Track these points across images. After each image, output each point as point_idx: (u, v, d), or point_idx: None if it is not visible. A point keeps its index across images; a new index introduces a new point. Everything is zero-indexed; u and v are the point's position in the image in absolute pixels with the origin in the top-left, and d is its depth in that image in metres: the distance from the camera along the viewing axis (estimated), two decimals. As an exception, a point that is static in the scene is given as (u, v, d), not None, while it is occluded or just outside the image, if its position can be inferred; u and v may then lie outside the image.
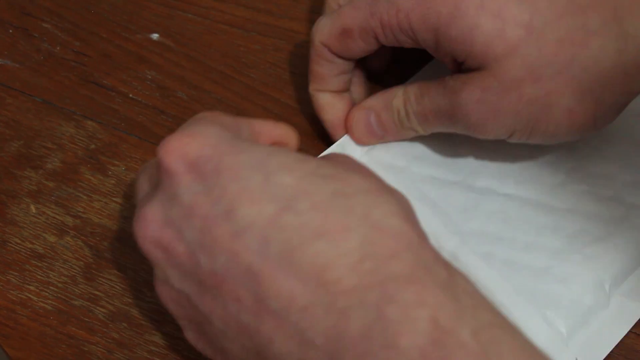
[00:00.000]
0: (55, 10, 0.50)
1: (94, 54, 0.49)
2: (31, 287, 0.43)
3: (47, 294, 0.42)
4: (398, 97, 0.43)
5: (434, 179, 0.45)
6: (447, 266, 0.31)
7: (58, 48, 0.49)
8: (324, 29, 0.43)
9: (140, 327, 0.42)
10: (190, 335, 0.36)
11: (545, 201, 0.44)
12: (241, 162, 0.33)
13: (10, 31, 0.50)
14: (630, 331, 0.41)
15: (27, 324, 0.42)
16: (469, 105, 0.40)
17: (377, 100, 0.44)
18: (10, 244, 0.44)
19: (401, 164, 0.45)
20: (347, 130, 0.45)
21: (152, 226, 0.34)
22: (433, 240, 0.33)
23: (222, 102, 0.48)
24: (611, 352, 0.41)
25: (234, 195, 0.32)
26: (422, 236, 0.32)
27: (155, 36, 0.50)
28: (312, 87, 0.45)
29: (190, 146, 0.33)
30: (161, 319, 0.42)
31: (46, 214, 0.44)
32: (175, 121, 0.47)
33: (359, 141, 0.45)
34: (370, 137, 0.45)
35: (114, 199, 0.45)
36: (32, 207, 0.45)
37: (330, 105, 0.45)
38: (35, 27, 0.50)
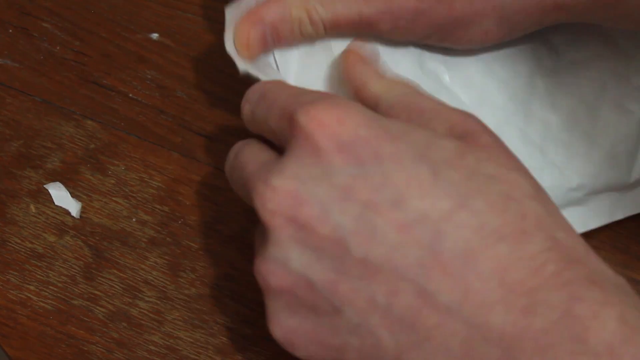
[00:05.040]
0: (55, 10, 0.50)
1: (94, 53, 0.49)
2: (31, 287, 0.43)
3: (46, 293, 0.42)
4: (296, 7, 0.40)
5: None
6: (615, 273, 0.31)
7: (58, 48, 0.49)
8: None
9: (140, 327, 0.42)
10: (288, 326, 0.33)
11: (481, 118, 0.44)
12: (402, 150, 0.32)
13: (10, 31, 0.50)
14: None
15: (27, 324, 0.42)
16: (401, 12, 0.40)
17: (272, 11, 0.40)
18: (10, 244, 0.44)
19: None
20: (240, 44, 0.41)
21: (288, 200, 0.32)
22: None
23: (223, 101, 0.48)
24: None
25: (401, 184, 0.31)
26: (584, 246, 0.32)
27: (155, 36, 0.50)
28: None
29: (344, 126, 0.32)
30: (161, 319, 0.42)
31: (46, 214, 0.44)
32: (175, 121, 0.47)
33: (248, 55, 0.41)
34: (261, 50, 0.41)
35: (114, 198, 0.45)
36: (32, 207, 0.45)
37: None
38: (35, 27, 0.50)
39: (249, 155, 0.36)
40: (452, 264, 0.30)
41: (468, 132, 0.34)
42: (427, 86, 0.44)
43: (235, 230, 0.44)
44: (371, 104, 0.37)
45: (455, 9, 0.40)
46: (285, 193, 0.32)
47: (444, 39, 0.42)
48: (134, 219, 0.44)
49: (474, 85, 0.44)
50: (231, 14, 0.41)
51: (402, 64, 0.44)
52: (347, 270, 0.31)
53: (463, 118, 0.35)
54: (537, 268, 0.30)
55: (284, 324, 0.33)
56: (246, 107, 0.38)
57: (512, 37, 0.43)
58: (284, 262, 0.32)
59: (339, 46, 0.43)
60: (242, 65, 0.41)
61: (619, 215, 0.44)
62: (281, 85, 0.37)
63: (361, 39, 0.43)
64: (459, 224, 0.30)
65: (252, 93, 0.38)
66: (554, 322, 0.29)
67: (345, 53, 0.41)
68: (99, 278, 0.43)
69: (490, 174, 0.32)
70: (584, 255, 0.31)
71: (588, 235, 0.44)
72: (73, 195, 0.45)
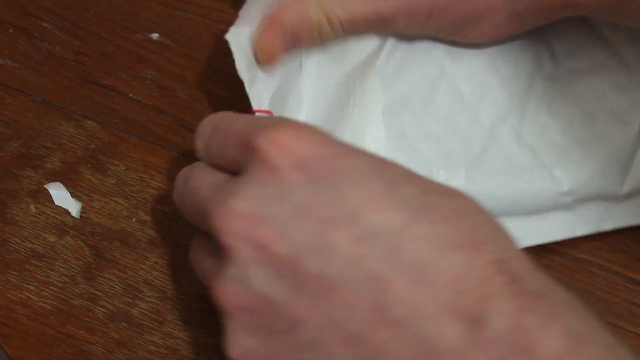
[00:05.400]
0: (55, 10, 0.50)
1: (94, 53, 0.49)
2: (31, 287, 0.43)
3: (46, 293, 0.42)
4: (315, 10, 0.41)
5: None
6: (563, 290, 0.32)
7: (58, 48, 0.49)
8: None
9: (140, 327, 0.42)
10: (245, 346, 0.33)
11: (477, 111, 0.44)
12: (358, 166, 0.32)
13: (10, 31, 0.50)
14: (630, 331, 0.41)
15: (27, 324, 0.42)
16: (419, 9, 0.41)
17: (291, 16, 0.41)
18: (10, 244, 0.44)
19: None
20: (263, 51, 0.41)
21: (246, 221, 0.32)
22: None
23: (223, 102, 0.48)
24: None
25: (356, 199, 0.31)
26: (532, 262, 0.32)
27: (155, 36, 0.50)
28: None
29: (301, 144, 0.32)
30: (161, 319, 0.42)
31: (46, 214, 0.44)
32: (175, 121, 0.47)
33: (269, 61, 0.41)
34: (283, 54, 0.42)
35: (114, 198, 0.45)
36: (32, 207, 0.45)
37: None
38: (35, 27, 0.50)
39: (199, 179, 0.36)
40: (407, 276, 0.30)
41: None
42: (429, 73, 0.44)
43: (236, 230, 0.44)
44: None
45: (469, 3, 0.41)
46: (242, 214, 0.32)
47: (454, 33, 0.43)
48: (134, 219, 0.44)
49: (475, 78, 0.45)
50: (246, 12, 0.41)
51: (407, 50, 0.44)
52: (303, 287, 0.31)
53: None
54: (490, 277, 0.30)
55: (242, 345, 0.33)
56: (200, 143, 0.38)
57: (519, 31, 0.43)
58: (244, 282, 0.32)
59: (354, 43, 0.43)
60: (238, 64, 0.41)
61: (608, 226, 0.44)
62: (233, 115, 0.37)
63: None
64: (414, 236, 0.30)
65: (203, 128, 0.38)
66: (503, 332, 0.29)
67: None
68: (99, 278, 0.43)
69: (441, 191, 0.32)
70: (533, 271, 0.31)
71: (588, 235, 0.44)
72: (73, 195, 0.45)
